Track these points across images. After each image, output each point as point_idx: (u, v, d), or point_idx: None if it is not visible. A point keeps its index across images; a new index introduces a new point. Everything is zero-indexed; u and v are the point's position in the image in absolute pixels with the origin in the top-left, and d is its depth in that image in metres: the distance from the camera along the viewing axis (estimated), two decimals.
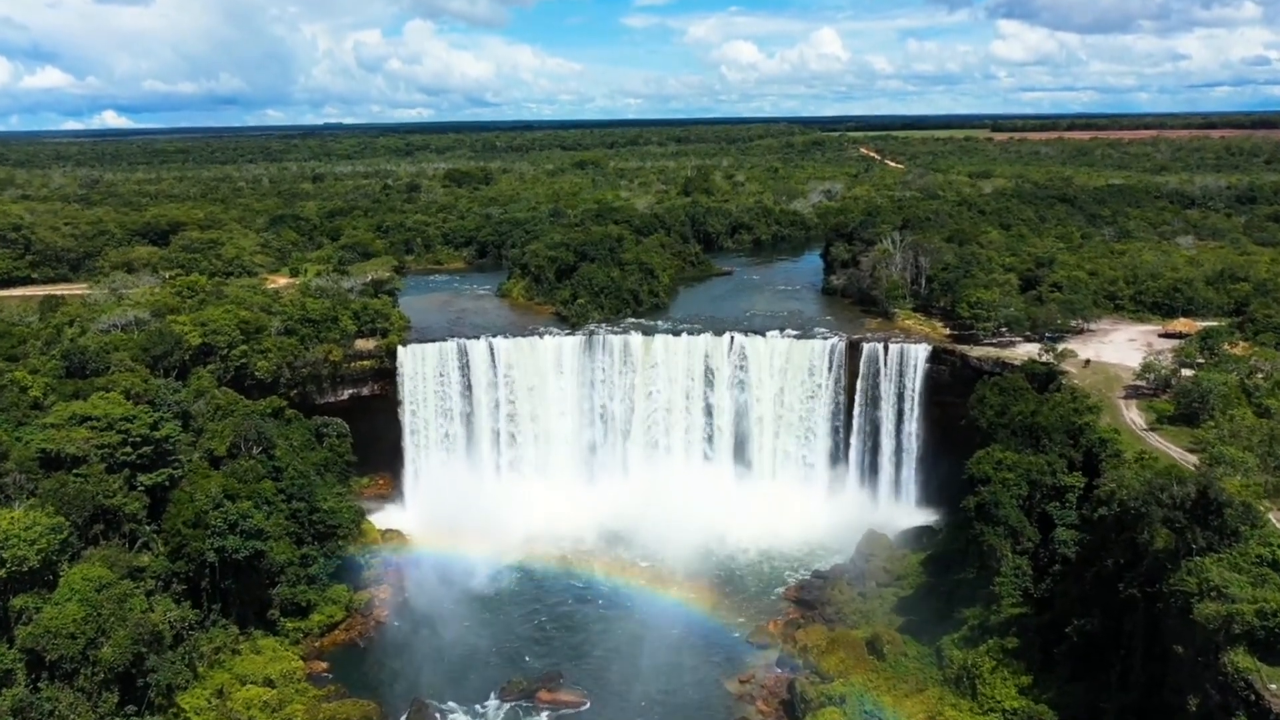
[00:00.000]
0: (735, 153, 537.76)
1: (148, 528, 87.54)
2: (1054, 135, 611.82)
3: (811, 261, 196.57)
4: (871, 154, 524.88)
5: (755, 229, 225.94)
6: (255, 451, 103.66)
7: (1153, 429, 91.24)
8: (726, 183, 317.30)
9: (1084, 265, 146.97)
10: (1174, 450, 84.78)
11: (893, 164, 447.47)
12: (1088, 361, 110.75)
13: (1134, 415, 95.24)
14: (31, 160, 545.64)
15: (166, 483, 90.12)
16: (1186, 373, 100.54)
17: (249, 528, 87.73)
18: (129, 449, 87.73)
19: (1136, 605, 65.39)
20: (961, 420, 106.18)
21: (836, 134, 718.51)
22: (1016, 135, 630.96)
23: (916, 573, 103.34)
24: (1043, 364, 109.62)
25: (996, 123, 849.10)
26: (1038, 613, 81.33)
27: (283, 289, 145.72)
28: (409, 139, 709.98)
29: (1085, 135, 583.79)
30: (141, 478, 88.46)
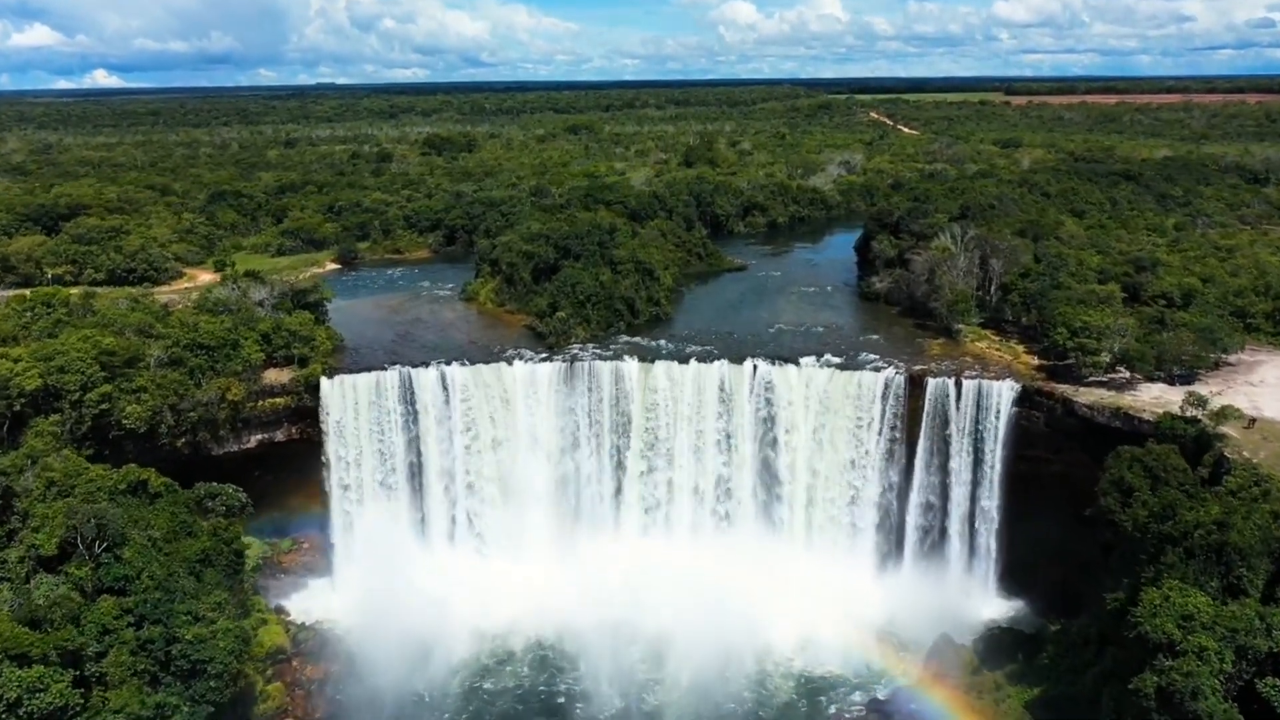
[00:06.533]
0: (738, 117, 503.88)
1: None
2: (1075, 99, 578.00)
3: (838, 250, 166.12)
4: (882, 119, 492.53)
5: (770, 210, 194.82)
6: (97, 549, 74.06)
7: None
8: (732, 152, 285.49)
9: (1193, 269, 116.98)
10: None
11: (907, 130, 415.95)
12: (1252, 421, 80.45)
13: None
14: None
15: None
16: None
17: (41, 708, 57.91)
18: None
19: None
20: (1087, 510, 76.39)
21: (843, 97, 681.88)
22: (1035, 99, 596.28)
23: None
24: (1188, 422, 79.77)
25: (1010, 85, 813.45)
26: None
27: (177, 298, 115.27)
28: (393, 101, 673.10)
29: (1110, 99, 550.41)
30: None
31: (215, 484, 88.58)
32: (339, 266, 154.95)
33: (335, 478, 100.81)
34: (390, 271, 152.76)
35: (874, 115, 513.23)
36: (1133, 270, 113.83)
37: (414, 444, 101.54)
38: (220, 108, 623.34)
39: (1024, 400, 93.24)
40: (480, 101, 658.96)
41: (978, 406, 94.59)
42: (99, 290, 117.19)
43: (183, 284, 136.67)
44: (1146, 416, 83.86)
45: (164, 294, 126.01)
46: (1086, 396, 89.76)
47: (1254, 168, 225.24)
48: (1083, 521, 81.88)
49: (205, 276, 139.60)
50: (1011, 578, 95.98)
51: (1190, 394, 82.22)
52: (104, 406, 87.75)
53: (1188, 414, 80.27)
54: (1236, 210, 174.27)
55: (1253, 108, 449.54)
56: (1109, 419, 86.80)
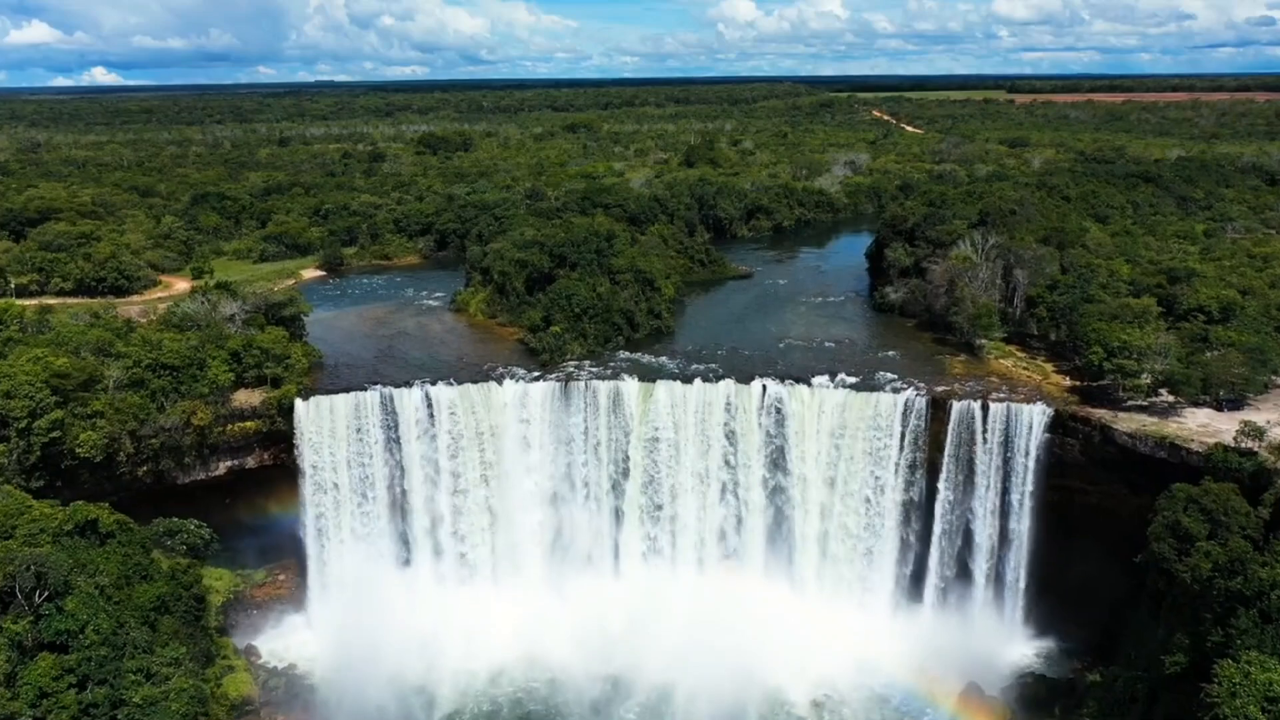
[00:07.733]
0: (739, 115, 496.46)
1: None
2: (1080, 97, 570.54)
3: (847, 255, 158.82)
4: (885, 117, 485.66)
5: (775, 213, 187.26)
6: (37, 599, 66.71)
7: None
8: (733, 151, 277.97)
9: (1230, 280, 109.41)
10: None
11: (910, 129, 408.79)
12: None
13: None
14: None
15: None
16: None
17: None
18: None
19: None
20: (1137, 556, 69.06)
21: (844, 95, 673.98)
22: (1040, 97, 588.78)
23: None
24: (1243, 455, 72.37)
25: (1013, 84, 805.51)
26: None
27: (147, 310, 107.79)
28: (390, 98, 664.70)
29: (1117, 98, 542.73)
30: None
31: (176, 520, 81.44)
32: (323, 273, 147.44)
33: (311, 506, 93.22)
34: (377, 279, 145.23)
35: (876, 113, 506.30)
36: (1166, 281, 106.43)
37: (396, 470, 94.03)
38: (215, 105, 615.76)
39: (1057, 426, 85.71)
40: (478, 99, 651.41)
41: (1006, 432, 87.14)
42: (61, 302, 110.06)
43: (157, 293, 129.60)
44: (1195, 447, 76.46)
45: (136, 304, 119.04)
46: (1126, 423, 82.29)
47: (1271, 168, 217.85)
48: (1121, 558, 75.08)
49: (182, 285, 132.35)
50: (1041, 617, 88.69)
51: (1245, 423, 74.79)
52: (55, 434, 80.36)
53: (1242, 446, 72.89)
54: (1260, 214, 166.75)
55: (1262, 106, 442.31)
56: (1153, 449, 79.37)
